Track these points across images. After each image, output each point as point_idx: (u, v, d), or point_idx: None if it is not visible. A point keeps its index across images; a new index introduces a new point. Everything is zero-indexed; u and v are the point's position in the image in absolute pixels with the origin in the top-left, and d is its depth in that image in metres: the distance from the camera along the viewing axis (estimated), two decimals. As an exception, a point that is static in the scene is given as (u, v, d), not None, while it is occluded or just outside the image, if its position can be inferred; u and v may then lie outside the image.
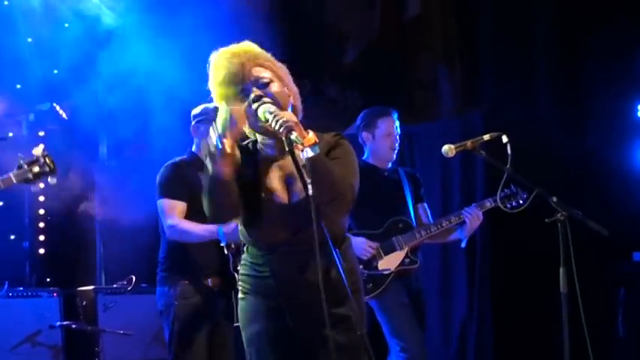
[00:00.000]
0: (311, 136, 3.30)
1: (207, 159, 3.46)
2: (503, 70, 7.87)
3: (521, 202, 5.66)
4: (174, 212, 5.23)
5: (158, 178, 5.36)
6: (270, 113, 3.36)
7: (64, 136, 8.29)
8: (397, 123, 5.88)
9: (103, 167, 8.59)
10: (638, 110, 7.18)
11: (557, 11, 7.59)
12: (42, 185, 5.31)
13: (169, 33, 7.77)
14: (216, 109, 5.21)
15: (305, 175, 3.28)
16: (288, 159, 3.42)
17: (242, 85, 3.57)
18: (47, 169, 5.04)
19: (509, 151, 4.47)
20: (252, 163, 3.64)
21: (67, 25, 8.26)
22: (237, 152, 3.55)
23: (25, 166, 4.98)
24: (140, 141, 7.79)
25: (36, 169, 4.99)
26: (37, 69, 8.21)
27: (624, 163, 7.18)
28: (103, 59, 8.08)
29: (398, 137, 5.88)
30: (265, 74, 3.61)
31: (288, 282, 3.56)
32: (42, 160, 5.03)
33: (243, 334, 3.71)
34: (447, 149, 4.81)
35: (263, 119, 3.40)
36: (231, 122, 3.43)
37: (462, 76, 8.50)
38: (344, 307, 3.51)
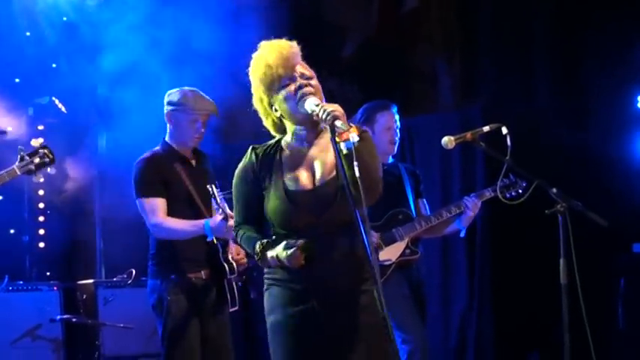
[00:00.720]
0: (354, 126, 3.48)
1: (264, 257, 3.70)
2: (503, 62, 7.86)
3: (520, 191, 5.66)
4: (156, 210, 5.20)
5: (133, 175, 5.31)
6: (317, 105, 3.60)
7: (64, 130, 8.29)
8: (397, 117, 5.88)
9: (103, 160, 8.59)
10: (637, 102, 7.17)
11: (557, 3, 7.58)
12: (41, 179, 5.37)
13: (167, 26, 7.77)
14: (195, 97, 5.23)
15: (344, 162, 3.45)
16: (314, 148, 3.79)
17: (291, 72, 3.77)
18: (47, 159, 5.25)
19: (508, 142, 4.47)
20: (274, 160, 3.84)
21: (65, 18, 8.26)
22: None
23: (27, 158, 5.18)
24: (140, 134, 7.79)
25: (37, 160, 5.21)
26: (35, 63, 8.21)
27: (624, 155, 7.18)
28: (102, 52, 8.07)
29: (398, 131, 5.88)
30: (307, 71, 3.84)
31: (315, 264, 3.63)
32: (42, 151, 5.21)
33: (267, 323, 3.78)
34: (447, 141, 4.82)
35: (308, 110, 3.64)
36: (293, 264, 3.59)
37: (461, 69, 8.49)
38: (369, 287, 3.66)
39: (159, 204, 5.21)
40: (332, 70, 8.52)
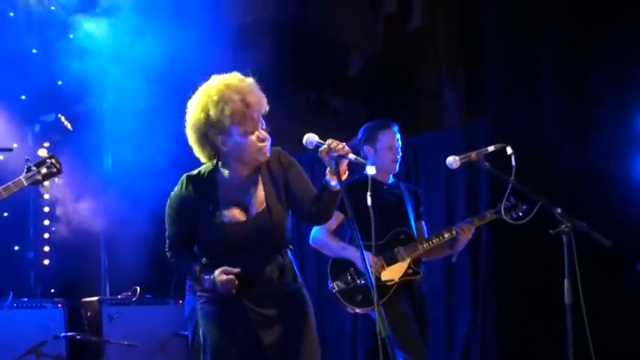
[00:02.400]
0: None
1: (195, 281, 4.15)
2: (508, 81, 7.87)
3: (520, 213, 5.67)
4: None
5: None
6: (320, 142, 3.88)
7: (69, 147, 8.29)
8: (398, 135, 5.89)
9: (108, 178, 8.59)
10: (642, 121, 7.19)
11: (562, 22, 7.60)
12: (46, 195, 5.39)
13: (176, 43, 7.79)
14: None
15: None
16: (247, 182, 4.09)
17: (259, 117, 4.04)
18: (54, 169, 5.27)
19: (513, 162, 4.48)
20: (210, 191, 4.11)
21: (71, 36, 8.28)
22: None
23: (34, 168, 5.20)
24: (145, 152, 7.80)
25: (44, 170, 5.24)
26: (41, 80, 8.23)
27: (629, 174, 7.17)
28: (107, 69, 8.09)
29: (399, 149, 5.89)
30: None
31: (247, 285, 4.01)
32: (49, 161, 5.24)
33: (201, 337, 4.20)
34: (452, 160, 4.82)
35: (310, 144, 3.90)
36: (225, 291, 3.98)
37: (467, 87, 8.50)
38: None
39: None
40: (337, 88, 8.56)
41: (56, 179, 5.43)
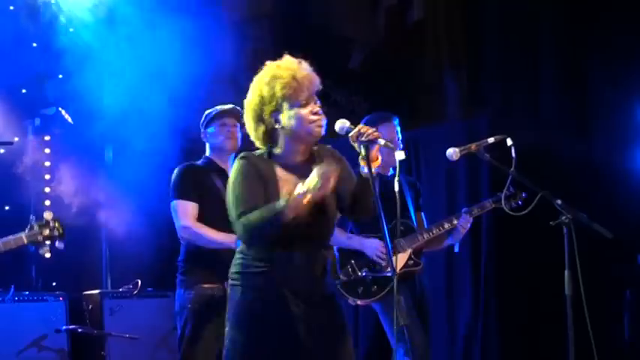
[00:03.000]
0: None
1: (284, 202, 3.83)
2: (509, 74, 7.86)
3: (520, 202, 5.69)
4: (187, 213, 5.34)
5: (172, 178, 5.48)
6: (351, 127, 3.92)
7: (70, 141, 8.30)
8: (398, 128, 5.90)
9: (109, 171, 8.60)
10: (643, 113, 7.18)
11: (562, 15, 7.59)
12: (48, 254, 5.42)
13: (176, 38, 7.80)
14: (217, 109, 5.35)
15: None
16: (304, 166, 3.99)
17: (312, 95, 4.00)
18: (56, 233, 5.26)
19: (513, 153, 4.48)
20: (269, 172, 4.00)
21: (71, 29, 8.28)
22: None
23: (36, 228, 5.19)
24: (146, 145, 7.81)
25: (46, 232, 5.23)
26: (42, 74, 8.23)
27: (629, 166, 7.17)
28: (108, 63, 8.10)
29: (399, 142, 5.89)
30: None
31: (294, 274, 3.92)
32: (52, 223, 5.23)
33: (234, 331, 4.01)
34: (452, 152, 4.83)
35: (342, 130, 3.95)
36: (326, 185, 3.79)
37: (467, 80, 8.50)
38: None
39: (190, 208, 5.35)
40: (338, 82, 8.55)
41: (57, 243, 5.40)
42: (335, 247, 5.77)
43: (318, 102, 4.02)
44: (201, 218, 5.36)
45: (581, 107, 7.45)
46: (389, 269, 5.63)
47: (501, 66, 7.95)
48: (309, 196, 3.76)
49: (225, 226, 5.29)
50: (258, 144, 4.12)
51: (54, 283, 8.22)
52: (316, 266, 4.01)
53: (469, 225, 5.83)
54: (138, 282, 7.31)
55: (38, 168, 8.20)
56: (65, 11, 8.25)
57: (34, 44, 8.28)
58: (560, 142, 7.19)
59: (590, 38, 7.38)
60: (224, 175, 5.46)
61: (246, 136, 5.06)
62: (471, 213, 5.82)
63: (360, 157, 3.90)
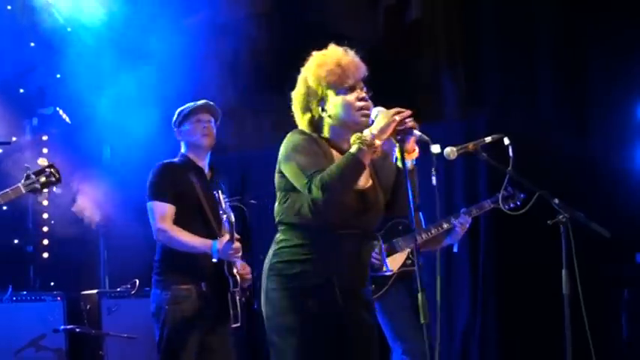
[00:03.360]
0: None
1: (358, 142, 3.73)
2: (507, 73, 7.86)
3: (518, 203, 5.68)
4: (164, 215, 5.25)
5: (148, 179, 5.38)
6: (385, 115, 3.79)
7: (68, 140, 8.30)
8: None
9: (107, 171, 8.60)
10: (640, 112, 7.18)
11: (560, 14, 7.59)
12: (45, 200, 5.40)
13: (176, 37, 7.80)
14: (188, 106, 5.30)
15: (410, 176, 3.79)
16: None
17: (358, 82, 3.94)
18: (53, 178, 5.25)
19: (510, 153, 4.47)
20: (326, 148, 3.92)
21: (69, 29, 8.28)
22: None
23: (33, 177, 5.18)
24: (144, 145, 7.80)
25: (43, 178, 5.21)
26: (40, 73, 8.24)
27: (627, 165, 7.17)
28: (105, 62, 8.09)
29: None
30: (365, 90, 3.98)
31: (343, 262, 3.84)
32: (48, 170, 5.21)
33: (279, 321, 3.85)
34: (449, 151, 4.80)
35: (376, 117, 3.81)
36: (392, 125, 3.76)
37: (466, 79, 8.49)
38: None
39: (167, 209, 5.25)
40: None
41: (54, 188, 5.42)
42: None
43: (365, 89, 3.95)
44: (178, 218, 5.27)
45: (579, 106, 7.45)
46: (385, 269, 5.63)
47: (499, 65, 7.95)
48: (379, 137, 3.72)
49: (201, 227, 5.29)
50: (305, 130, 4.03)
51: (52, 283, 8.23)
52: (364, 255, 3.97)
53: (468, 225, 5.83)
54: (136, 282, 7.31)
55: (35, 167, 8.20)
56: (63, 11, 8.25)
57: (32, 44, 8.28)
58: (558, 141, 7.19)
59: (588, 37, 7.38)
60: (201, 174, 5.44)
61: (219, 131, 5.05)
62: (470, 213, 5.82)
63: (397, 150, 3.81)
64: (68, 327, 7.00)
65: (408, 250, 5.71)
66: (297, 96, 4.00)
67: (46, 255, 8.39)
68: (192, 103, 5.47)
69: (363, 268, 3.98)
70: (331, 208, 3.76)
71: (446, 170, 7.66)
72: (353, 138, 3.76)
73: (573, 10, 7.46)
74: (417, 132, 3.81)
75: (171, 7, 7.97)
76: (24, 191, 5.23)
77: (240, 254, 5.22)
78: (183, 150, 5.50)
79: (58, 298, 7.24)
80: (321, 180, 3.67)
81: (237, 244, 5.12)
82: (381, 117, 3.76)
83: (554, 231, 4.52)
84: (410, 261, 5.72)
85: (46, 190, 5.38)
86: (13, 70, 8.05)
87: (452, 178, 7.69)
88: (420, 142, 3.87)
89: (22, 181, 5.23)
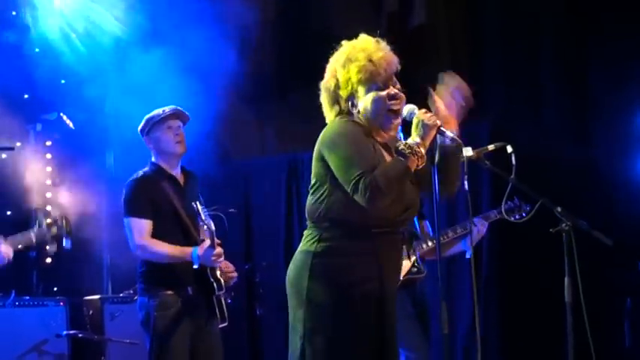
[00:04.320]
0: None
1: (409, 152, 3.72)
2: (510, 80, 7.86)
3: (524, 214, 5.68)
4: (142, 231, 5.26)
5: (123, 195, 5.39)
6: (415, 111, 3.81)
7: (71, 146, 8.31)
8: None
9: (110, 176, 8.61)
10: (644, 120, 7.18)
11: (564, 21, 7.59)
12: (55, 250, 5.40)
13: (174, 43, 7.80)
14: (157, 113, 5.28)
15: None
16: (382, 145, 3.83)
17: (390, 78, 3.86)
18: (64, 231, 5.22)
19: (513, 161, 4.48)
20: (369, 134, 3.82)
21: (73, 35, 8.29)
22: None
23: (45, 228, 5.15)
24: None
25: (54, 230, 5.18)
26: (44, 79, 8.25)
27: (630, 173, 7.16)
28: (110, 69, 8.11)
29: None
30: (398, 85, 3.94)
31: (387, 259, 3.81)
32: (60, 221, 5.20)
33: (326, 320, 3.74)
34: (452, 159, 4.81)
35: (408, 115, 3.83)
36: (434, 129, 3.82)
37: (468, 85, 8.48)
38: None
39: (145, 225, 5.27)
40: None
41: (64, 241, 5.39)
42: None
43: (396, 83, 3.88)
44: (156, 229, 5.29)
45: (582, 114, 7.45)
46: (424, 272, 5.66)
47: (502, 72, 7.95)
48: (424, 145, 3.73)
49: (180, 236, 5.32)
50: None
51: (55, 288, 8.23)
52: (400, 255, 3.97)
53: (485, 230, 5.82)
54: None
55: (39, 173, 8.21)
56: (67, 17, 8.26)
57: (37, 49, 8.29)
58: (561, 149, 7.19)
59: (591, 44, 7.38)
60: (174, 182, 5.45)
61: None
62: (488, 218, 5.81)
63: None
64: (71, 332, 7.01)
65: (414, 257, 5.71)
66: (325, 89, 3.90)
67: (48, 260, 8.39)
68: (160, 110, 5.46)
69: (400, 268, 4.02)
70: (375, 209, 3.69)
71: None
72: (402, 146, 3.72)
73: (576, 18, 7.46)
74: (449, 133, 3.89)
75: (176, 15, 7.97)
76: (34, 240, 5.24)
77: (222, 259, 5.24)
78: (153, 159, 5.51)
79: (61, 304, 7.24)
80: (371, 184, 3.60)
81: (218, 249, 5.14)
82: (423, 123, 3.76)
83: (557, 239, 4.53)
84: (415, 269, 5.71)
85: (54, 245, 5.36)
86: (17, 75, 8.05)
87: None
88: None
89: (34, 229, 5.22)
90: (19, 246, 5.20)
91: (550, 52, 7.71)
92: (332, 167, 3.73)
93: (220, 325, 5.40)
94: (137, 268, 5.44)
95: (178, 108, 5.49)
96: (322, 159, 3.79)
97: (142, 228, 5.26)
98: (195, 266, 5.16)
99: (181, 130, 5.46)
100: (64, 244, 5.33)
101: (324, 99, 3.92)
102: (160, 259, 5.25)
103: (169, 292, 5.26)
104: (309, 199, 3.88)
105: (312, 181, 3.87)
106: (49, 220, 5.24)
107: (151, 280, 5.33)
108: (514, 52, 7.84)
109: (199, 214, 5.15)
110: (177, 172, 5.49)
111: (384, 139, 3.92)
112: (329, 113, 3.92)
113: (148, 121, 5.46)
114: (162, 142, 5.42)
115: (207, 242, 5.12)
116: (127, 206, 5.33)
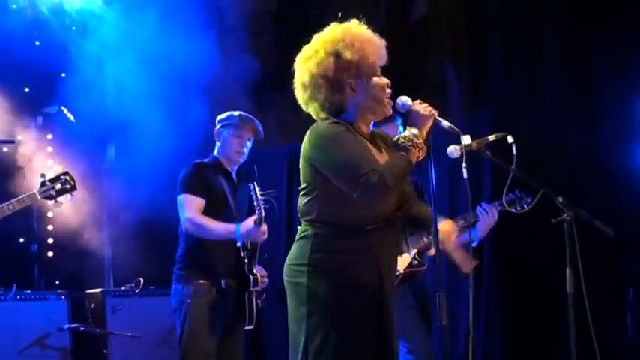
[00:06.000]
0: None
1: (409, 145, 3.76)
2: (511, 70, 7.84)
3: (525, 206, 5.66)
4: (193, 207, 5.44)
5: (182, 174, 5.58)
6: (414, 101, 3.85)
7: (72, 139, 8.31)
8: (401, 129, 5.86)
9: (111, 170, 8.61)
10: (646, 109, 7.16)
11: (566, 10, 7.56)
12: (62, 206, 5.42)
13: (179, 37, 7.80)
14: (241, 116, 5.43)
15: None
16: (370, 139, 3.85)
17: (380, 65, 3.88)
18: (69, 185, 5.27)
19: (514, 151, 4.46)
20: (357, 134, 3.82)
21: (74, 28, 8.29)
22: None
23: (48, 184, 5.20)
24: (149, 144, 7.81)
25: (58, 186, 5.23)
26: (45, 72, 8.24)
27: (633, 163, 7.15)
28: (111, 62, 8.10)
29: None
30: None
31: (384, 254, 3.79)
32: (63, 177, 5.24)
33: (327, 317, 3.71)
34: (452, 149, 4.80)
35: (405, 104, 3.84)
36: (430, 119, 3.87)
37: (470, 77, 8.47)
38: None
39: (197, 202, 5.47)
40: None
41: (69, 196, 5.45)
42: None
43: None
44: (206, 212, 5.47)
45: (584, 103, 7.43)
46: (425, 265, 5.68)
47: (503, 62, 7.93)
48: (422, 136, 3.79)
49: (227, 222, 5.46)
50: (315, 114, 3.89)
51: (56, 282, 8.24)
52: (396, 249, 3.97)
53: (496, 216, 5.79)
54: (140, 280, 7.31)
55: (41, 166, 8.21)
56: (68, 10, 8.26)
57: (37, 43, 8.28)
58: (562, 139, 7.17)
59: (593, 34, 7.35)
60: (229, 177, 5.67)
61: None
62: (500, 205, 5.79)
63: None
64: (73, 326, 7.02)
65: (414, 250, 5.70)
66: (323, 68, 3.81)
67: (50, 254, 8.40)
68: (245, 115, 5.69)
69: (396, 261, 4.06)
70: (377, 205, 3.73)
71: (450, 169, 7.63)
72: (401, 140, 3.75)
73: (578, 9, 7.44)
74: (445, 123, 3.89)
75: (178, 7, 7.96)
76: (39, 198, 5.28)
77: (266, 236, 5.38)
78: (215, 152, 5.75)
79: (63, 297, 7.25)
80: (380, 181, 3.59)
81: (264, 227, 5.29)
82: (419, 114, 3.81)
83: (559, 229, 4.51)
84: (416, 261, 5.70)
85: (61, 199, 5.40)
86: (18, 68, 8.05)
87: (456, 177, 7.66)
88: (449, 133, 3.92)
89: (38, 187, 5.27)
90: (26, 204, 5.25)
91: (551, 42, 7.69)
92: (328, 170, 3.70)
93: (246, 327, 5.51)
94: (176, 254, 5.59)
95: (259, 126, 5.73)
96: (311, 164, 3.77)
97: (193, 203, 5.45)
98: (238, 243, 5.33)
99: (248, 144, 5.72)
100: (69, 198, 5.38)
101: (312, 89, 3.84)
102: (205, 234, 5.39)
103: (203, 281, 5.40)
104: (301, 201, 3.85)
105: (303, 185, 3.85)
106: (51, 178, 5.29)
107: (188, 267, 5.48)
108: (515, 41, 7.82)
109: (255, 194, 5.32)
110: (232, 170, 5.74)
111: (366, 133, 3.92)
112: (316, 110, 3.88)
113: (229, 117, 5.71)
114: (227, 145, 5.69)
115: (251, 220, 5.28)
116: (183, 185, 5.53)
